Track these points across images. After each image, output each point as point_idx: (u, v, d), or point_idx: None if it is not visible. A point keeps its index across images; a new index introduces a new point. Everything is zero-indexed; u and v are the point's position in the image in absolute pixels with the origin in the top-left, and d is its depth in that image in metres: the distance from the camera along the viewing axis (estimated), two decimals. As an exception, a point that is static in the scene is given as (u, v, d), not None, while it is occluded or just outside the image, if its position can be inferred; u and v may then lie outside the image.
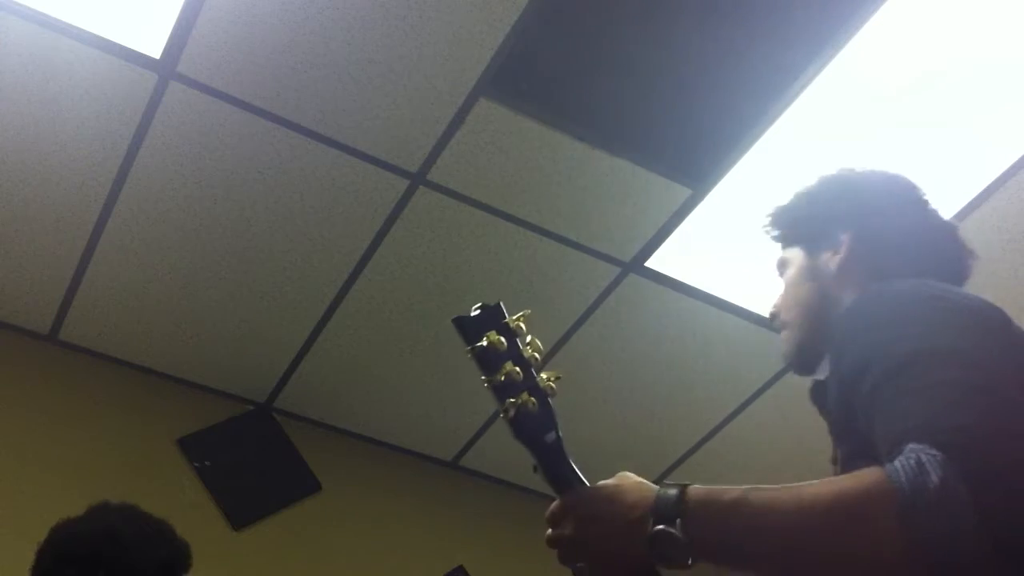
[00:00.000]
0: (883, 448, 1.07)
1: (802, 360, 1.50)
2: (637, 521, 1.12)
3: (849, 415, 1.21)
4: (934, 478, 0.98)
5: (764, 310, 3.56)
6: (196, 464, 3.48)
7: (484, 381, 1.29)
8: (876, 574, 1.01)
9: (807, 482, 1.07)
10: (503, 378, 1.27)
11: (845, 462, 1.27)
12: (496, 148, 2.90)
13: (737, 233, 3.12)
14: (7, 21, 2.62)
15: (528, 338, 1.30)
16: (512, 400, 1.26)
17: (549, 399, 1.28)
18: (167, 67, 2.72)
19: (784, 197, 1.64)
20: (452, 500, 3.87)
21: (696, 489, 1.10)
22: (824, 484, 1.06)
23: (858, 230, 1.50)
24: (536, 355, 1.29)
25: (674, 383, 3.57)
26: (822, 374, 1.40)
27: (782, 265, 1.59)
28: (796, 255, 1.55)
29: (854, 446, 1.23)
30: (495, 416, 3.71)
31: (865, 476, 1.03)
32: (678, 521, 1.08)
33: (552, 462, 1.25)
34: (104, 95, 2.78)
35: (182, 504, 3.33)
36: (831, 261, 1.49)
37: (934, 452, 0.99)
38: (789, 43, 2.68)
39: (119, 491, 2.77)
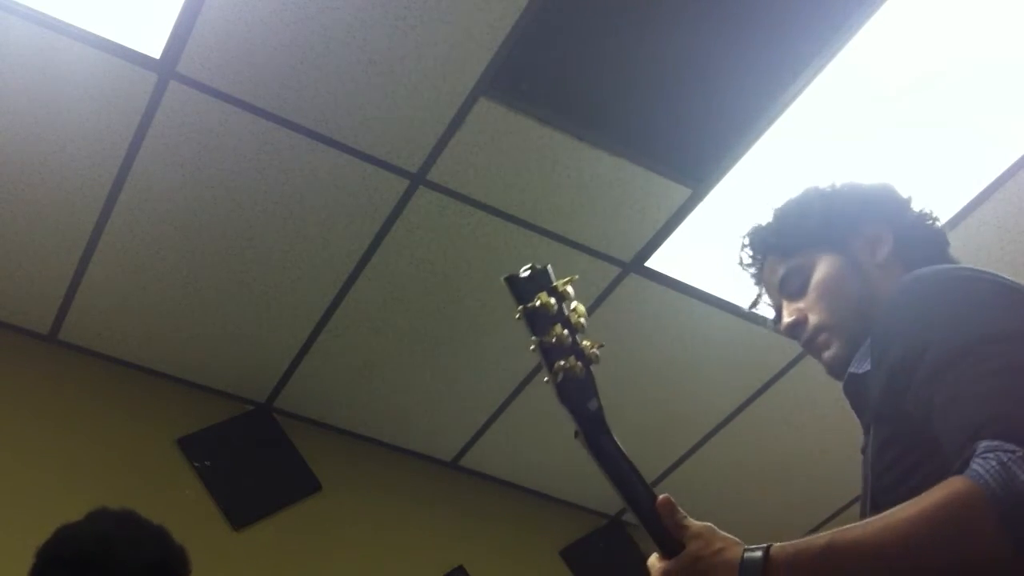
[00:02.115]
0: (952, 444, 1.06)
1: (850, 359, 1.44)
2: None
3: (896, 402, 1.19)
4: (1022, 476, 0.98)
5: (763, 310, 3.56)
6: (196, 464, 3.48)
7: (533, 342, 1.26)
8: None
9: (889, 512, 1.06)
10: (554, 340, 1.25)
11: (881, 449, 1.27)
12: (496, 148, 2.90)
13: (737, 233, 3.11)
14: (7, 21, 2.62)
15: (574, 304, 1.28)
16: (561, 363, 1.25)
17: (592, 366, 1.28)
18: (167, 67, 2.72)
19: (787, 207, 1.64)
20: (452, 500, 3.87)
21: (780, 548, 1.09)
22: (910, 506, 1.04)
23: (890, 223, 1.51)
24: (582, 320, 1.28)
25: (674, 382, 3.57)
26: (857, 367, 1.37)
27: (797, 273, 1.55)
28: (824, 257, 1.52)
29: (893, 432, 1.21)
30: (495, 416, 3.71)
31: (951, 487, 1.02)
32: None
33: (593, 430, 1.28)
34: (104, 95, 2.78)
35: (182, 504, 3.33)
36: (876, 254, 1.49)
37: (1012, 448, 0.99)
38: (789, 43, 2.68)
39: (119, 491, 2.77)
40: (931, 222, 1.55)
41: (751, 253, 1.65)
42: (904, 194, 1.57)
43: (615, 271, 3.23)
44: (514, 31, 2.64)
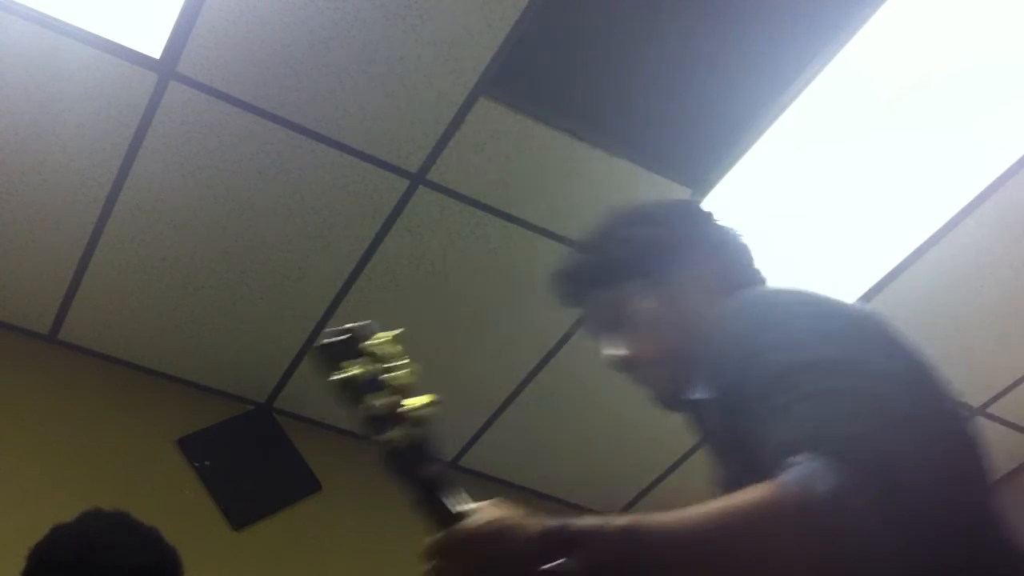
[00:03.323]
0: (773, 458, 1.05)
1: (682, 390, 1.41)
2: (527, 560, 1.08)
3: (736, 430, 1.18)
4: (830, 487, 0.97)
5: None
6: (196, 464, 3.47)
7: (352, 413, 1.16)
8: None
9: (694, 507, 1.05)
10: (372, 410, 1.17)
11: (733, 481, 1.21)
12: (496, 148, 2.90)
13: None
14: (7, 21, 2.62)
15: (398, 361, 1.20)
16: (382, 437, 1.17)
17: (425, 428, 1.19)
18: (167, 67, 2.72)
19: (594, 239, 1.55)
20: (452, 500, 3.86)
21: (582, 521, 1.07)
22: (719, 503, 1.04)
23: (706, 247, 1.50)
24: (403, 381, 1.19)
25: (674, 383, 3.57)
26: (694, 394, 1.34)
27: (613, 308, 1.49)
28: (639, 288, 1.46)
29: (743, 463, 1.18)
30: (495, 416, 3.71)
31: (756, 491, 1.01)
32: (568, 558, 1.04)
33: (434, 498, 1.18)
34: (104, 95, 2.78)
35: (182, 504, 3.33)
36: (693, 281, 1.46)
37: (823, 463, 0.99)
38: (789, 43, 2.68)
39: (119, 491, 2.78)
40: (736, 236, 1.54)
41: (565, 290, 1.56)
42: (701, 211, 1.56)
43: (615, 271, 3.23)
44: (514, 31, 2.64)
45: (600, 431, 3.72)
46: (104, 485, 3.10)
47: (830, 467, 0.99)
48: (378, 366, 1.18)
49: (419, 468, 1.17)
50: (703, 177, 2.96)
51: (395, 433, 1.16)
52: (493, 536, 1.12)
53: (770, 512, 1.00)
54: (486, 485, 3.96)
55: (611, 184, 2.98)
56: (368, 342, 1.19)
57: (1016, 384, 3.58)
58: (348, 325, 1.19)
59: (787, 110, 2.80)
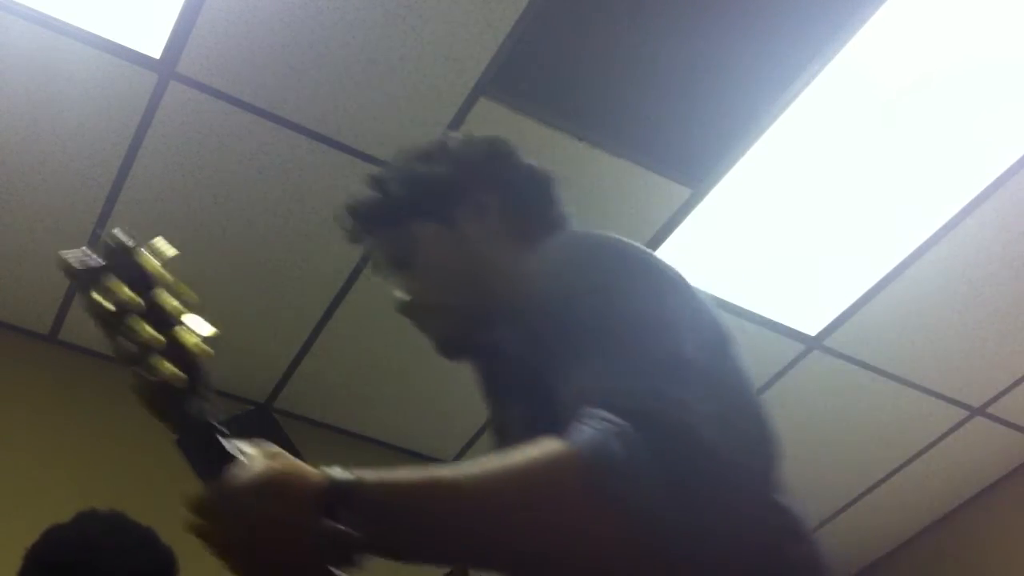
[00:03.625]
0: (568, 406, 1.03)
1: (464, 338, 1.35)
2: (307, 514, 0.98)
3: (532, 373, 1.14)
4: (620, 447, 0.95)
5: (764, 310, 3.57)
6: (196, 464, 3.47)
7: (112, 343, 1.01)
8: (565, 542, 0.98)
9: (488, 457, 1.02)
10: (131, 339, 1.01)
11: (523, 426, 1.17)
12: (496, 148, 2.90)
13: (737, 233, 3.12)
14: (7, 21, 2.62)
15: (166, 283, 1.05)
16: (143, 366, 1.01)
17: (197, 361, 1.08)
18: (167, 67, 2.72)
19: (386, 175, 1.46)
20: (452, 500, 3.86)
21: (370, 476, 1.00)
22: (508, 458, 1.00)
23: (495, 186, 1.41)
24: (177, 309, 1.05)
25: (674, 383, 3.57)
26: (488, 338, 1.29)
27: (399, 248, 1.41)
28: (427, 229, 1.39)
29: (536, 407, 1.14)
30: (495, 416, 3.71)
31: (548, 447, 0.99)
32: (352, 512, 0.98)
33: (200, 443, 1.07)
34: (104, 95, 2.78)
35: (182, 504, 3.33)
36: (481, 222, 1.38)
37: (620, 421, 0.97)
38: (789, 43, 2.68)
39: (118, 491, 2.78)
40: (540, 178, 1.47)
41: (355, 226, 1.47)
42: (509, 151, 1.47)
43: (615, 271, 3.23)
44: (514, 31, 2.64)
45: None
46: (104, 485, 3.10)
47: (631, 426, 0.97)
48: (147, 290, 1.02)
49: (184, 407, 1.05)
50: (703, 177, 2.96)
51: (159, 366, 1.01)
52: (270, 493, 1.00)
53: (561, 471, 0.97)
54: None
55: (611, 184, 2.98)
56: (136, 260, 1.03)
57: (1016, 384, 3.58)
58: (117, 235, 1.03)
59: (787, 110, 2.80)
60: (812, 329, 3.39)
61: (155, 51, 2.68)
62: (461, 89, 2.76)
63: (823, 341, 3.43)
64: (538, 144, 2.89)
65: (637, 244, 1.23)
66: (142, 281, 1.03)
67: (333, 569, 1.00)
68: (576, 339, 1.08)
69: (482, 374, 1.36)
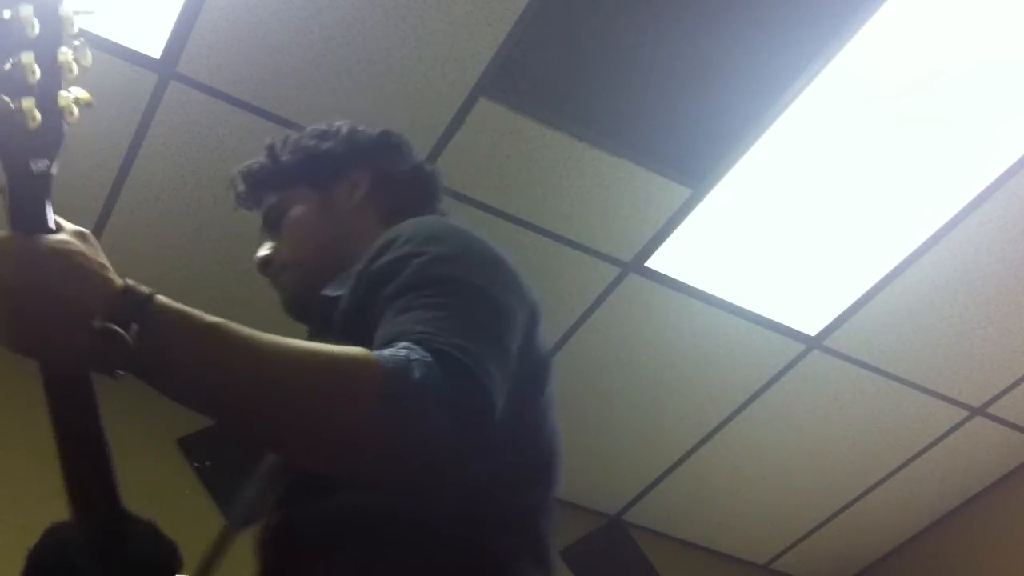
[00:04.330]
0: (379, 341, 1.06)
1: (309, 296, 1.41)
2: (88, 309, 0.96)
3: (356, 324, 1.18)
4: (419, 373, 0.99)
5: (764, 310, 3.57)
6: (196, 464, 3.47)
7: None
8: (337, 441, 1.00)
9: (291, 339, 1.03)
10: (8, 67, 0.92)
11: None
12: (496, 148, 2.90)
13: (737, 233, 3.12)
14: (7, 21, 2.62)
15: (75, 45, 0.98)
16: (7, 100, 0.92)
17: (63, 122, 1.03)
18: (167, 67, 2.72)
19: (277, 144, 1.61)
20: (452, 500, 3.87)
21: (169, 301, 0.99)
22: (312, 344, 1.02)
23: (374, 169, 1.53)
24: (74, 68, 0.99)
25: (674, 383, 3.57)
26: (331, 291, 1.34)
27: (276, 209, 1.52)
28: (302, 196, 1.51)
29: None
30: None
31: (354, 350, 1.01)
32: (134, 326, 0.95)
33: (27, 197, 1.01)
34: (104, 95, 2.77)
35: (181, 504, 3.33)
36: (351, 197, 1.50)
37: (426, 354, 1.01)
38: (789, 43, 2.68)
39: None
40: (423, 172, 1.58)
41: (240, 191, 1.60)
42: (398, 144, 1.60)
43: (615, 271, 3.23)
44: (514, 31, 2.64)
45: (601, 432, 3.72)
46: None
47: (435, 360, 1.00)
48: (55, 35, 0.95)
49: (30, 158, 0.99)
50: (703, 177, 2.96)
51: (29, 106, 0.94)
52: (66, 266, 0.98)
53: (359, 368, 0.99)
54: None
55: (611, 184, 2.98)
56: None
57: (1016, 384, 3.58)
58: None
59: (787, 110, 2.80)
60: (812, 329, 3.39)
61: (155, 51, 2.68)
62: (461, 89, 2.76)
63: (823, 341, 3.43)
64: (538, 144, 2.89)
65: (489, 243, 1.32)
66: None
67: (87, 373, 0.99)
68: (408, 298, 1.13)
69: (318, 331, 1.39)
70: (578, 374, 3.52)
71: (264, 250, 1.51)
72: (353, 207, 1.49)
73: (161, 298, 0.99)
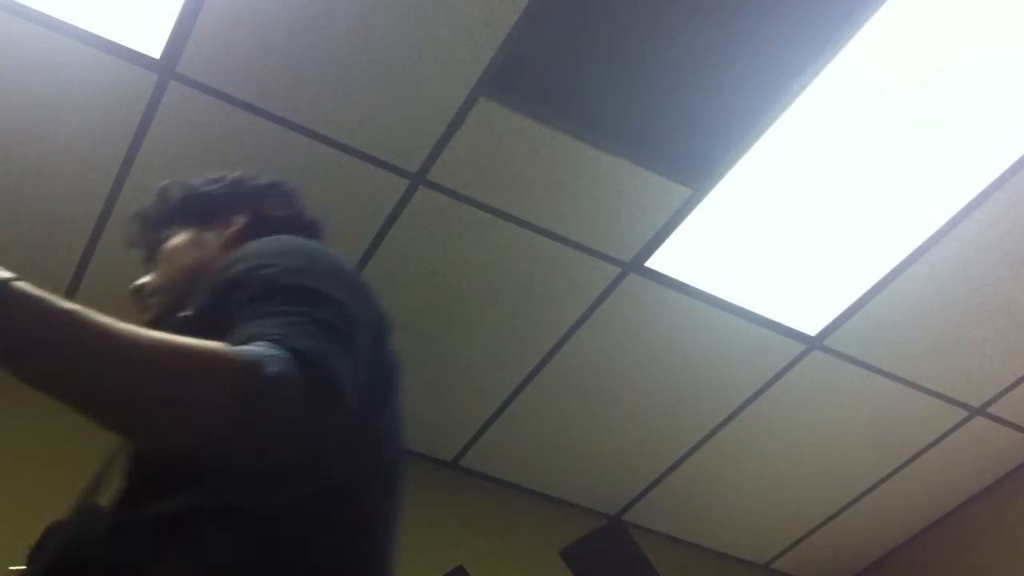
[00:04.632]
0: (233, 343, 1.08)
1: (171, 316, 1.43)
2: None
3: (211, 325, 1.19)
4: (276, 367, 1.02)
5: (764, 310, 3.58)
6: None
7: None
8: (191, 427, 1.01)
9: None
10: None
11: None
12: (496, 148, 2.90)
13: (737, 233, 3.12)
14: (7, 21, 2.62)
15: None
16: None
17: None
18: (167, 67, 2.72)
19: (170, 186, 1.71)
20: (452, 500, 3.87)
21: (29, 286, 1.01)
22: (171, 335, 1.05)
23: (253, 213, 1.61)
24: None
25: (674, 383, 3.57)
26: (184, 312, 1.37)
27: (157, 243, 1.61)
28: (180, 232, 1.60)
29: None
30: (495, 416, 3.71)
31: (214, 343, 1.03)
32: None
33: None
34: (104, 95, 2.78)
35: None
36: (223, 233, 1.57)
37: (283, 352, 1.04)
38: (789, 43, 2.68)
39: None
40: (303, 220, 1.65)
41: (134, 231, 1.70)
42: (283, 193, 1.70)
43: (615, 271, 3.23)
44: (514, 31, 2.64)
45: (600, 431, 3.72)
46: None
47: (287, 357, 1.03)
48: None
49: None
50: (703, 177, 2.97)
51: None
52: None
53: (218, 357, 1.01)
54: (486, 485, 3.97)
55: (611, 184, 2.98)
56: None
57: (1016, 384, 3.58)
58: None
59: (787, 110, 2.80)
60: (812, 329, 3.39)
61: (155, 51, 2.68)
62: (461, 89, 2.76)
63: (823, 341, 3.43)
64: (538, 144, 2.89)
65: (338, 255, 1.38)
66: None
67: None
68: (260, 305, 1.16)
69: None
70: (578, 374, 3.52)
71: (140, 280, 1.60)
72: (224, 242, 1.55)
73: (21, 283, 1.01)
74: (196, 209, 1.63)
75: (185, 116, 2.83)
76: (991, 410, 3.67)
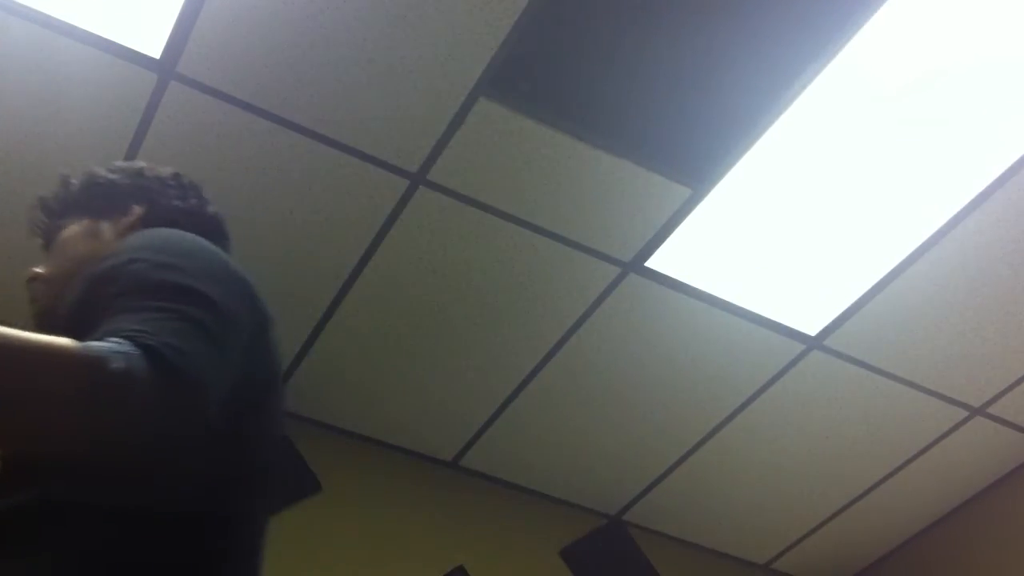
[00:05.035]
0: (93, 338, 1.08)
1: (54, 308, 1.45)
2: None
3: (83, 317, 1.20)
4: (120, 364, 1.01)
5: (764, 310, 3.58)
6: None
7: None
8: (35, 425, 1.01)
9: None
10: None
11: None
12: (496, 148, 2.90)
13: (737, 233, 3.12)
14: (7, 21, 2.62)
15: None
16: None
17: None
18: (167, 67, 2.72)
19: (70, 178, 1.71)
20: (452, 500, 3.87)
21: None
22: (22, 332, 1.04)
23: (152, 204, 1.60)
24: None
25: (674, 383, 3.57)
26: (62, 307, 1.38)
27: (54, 232, 1.62)
28: (77, 221, 1.59)
29: None
30: (495, 416, 3.71)
31: (62, 340, 1.03)
32: None
33: None
34: (104, 95, 2.78)
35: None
36: (118, 223, 1.56)
37: (134, 349, 1.03)
38: (789, 43, 2.68)
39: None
40: (202, 214, 1.63)
41: (36, 219, 1.71)
42: (184, 185, 1.66)
43: (615, 271, 3.23)
44: (514, 31, 2.64)
45: (600, 431, 3.72)
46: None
47: (136, 354, 1.03)
48: None
49: None
50: (703, 177, 2.97)
51: None
52: None
53: (62, 355, 1.01)
54: (486, 485, 3.97)
55: (611, 184, 2.98)
56: None
57: (1016, 384, 3.58)
58: None
59: (787, 110, 2.80)
60: (812, 329, 3.39)
61: (155, 51, 2.68)
62: (461, 89, 2.76)
63: (823, 341, 3.43)
64: (538, 144, 2.89)
65: (220, 252, 1.36)
66: None
67: None
68: (128, 299, 1.16)
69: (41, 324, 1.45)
70: (578, 374, 3.52)
71: (36, 268, 1.60)
72: (119, 232, 1.54)
73: None
74: (95, 198, 1.62)
75: (185, 116, 2.82)
76: (991, 410, 3.67)
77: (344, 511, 3.65)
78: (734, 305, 3.31)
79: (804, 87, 2.75)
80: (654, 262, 3.20)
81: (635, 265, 3.22)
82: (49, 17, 2.61)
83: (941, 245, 3.13)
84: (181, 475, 1.08)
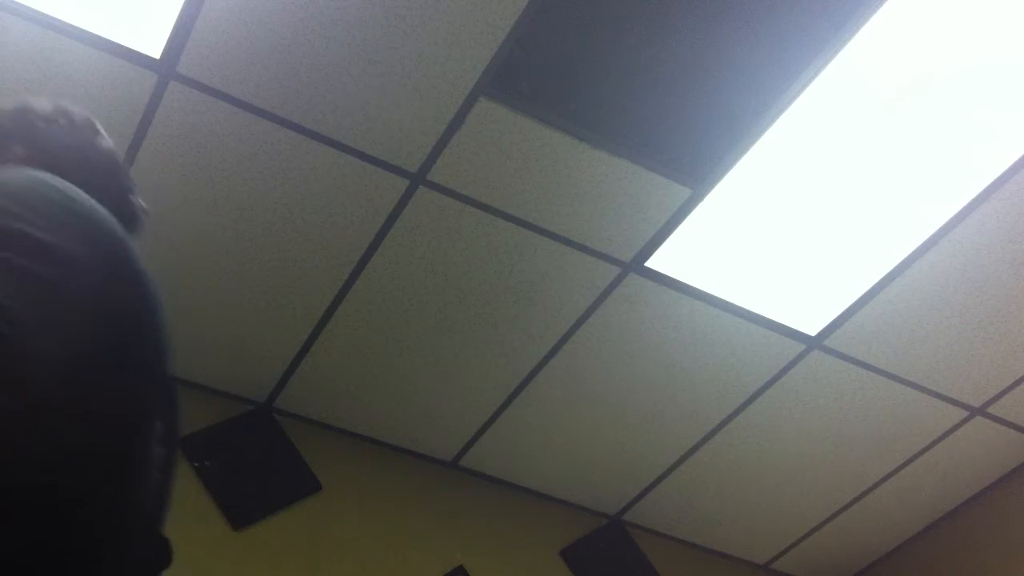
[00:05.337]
0: None
1: None
2: None
3: None
4: None
5: (764, 310, 3.58)
6: (196, 464, 3.48)
7: None
8: None
9: None
10: None
11: None
12: (496, 148, 2.90)
13: (737, 233, 3.12)
14: (7, 21, 2.62)
15: None
16: None
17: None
18: (167, 67, 2.72)
19: None
20: (452, 500, 3.87)
21: None
22: None
23: (31, 143, 1.53)
24: None
25: (674, 383, 3.57)
26: None
27: None
28: None
29: None
30: (495, 416, 3.71)
31: None
32: None
33: None
34: (104, 95, 2.78)
35: (182, 504, 3.33)
36: (3, 161, 1.51)
37: None
38: (789, 43, 2.68)
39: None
40: (93, 150, 1.56)
41: None
42: (73, 122, 1.59)
43: (615, 271, 3.23)
44: (514, 31, 2.64)
45: (600, 431, 3.72)
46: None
47: None
48: None
49: None
50: (703, 177, 2.97)
51: None
52: None
53: None
54: (486, 485, 3.97)
55: (611, 184, 2.98)
56: None
57: (1016, 384, 3.58)
58: None
59: (787, 110, 2.80)
60: (812, 329, 3.39)
61: (155, 51, 2.68)
62: (461, 89, 2.76)
63: (823, 341, 3.43)
64: (538, 144, 2.89)
65: (84, 195, 1.30)
66: None
67: None
68: None
69: None
70: (578, 374, 3.52)
71: None
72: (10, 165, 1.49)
73: None
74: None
75: (185, 116, 2.82)
76: (991, 410, 3.67)
77: (344, 511, 3.66)
78: (734, 305, 3.31)
79: (804, 88, 2.75)
80: (654, 262, 3.20)
81: (635, 265, 3.22)
82: (49, 17, 2.61)
83: (941, 245, 3.13)
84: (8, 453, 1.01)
